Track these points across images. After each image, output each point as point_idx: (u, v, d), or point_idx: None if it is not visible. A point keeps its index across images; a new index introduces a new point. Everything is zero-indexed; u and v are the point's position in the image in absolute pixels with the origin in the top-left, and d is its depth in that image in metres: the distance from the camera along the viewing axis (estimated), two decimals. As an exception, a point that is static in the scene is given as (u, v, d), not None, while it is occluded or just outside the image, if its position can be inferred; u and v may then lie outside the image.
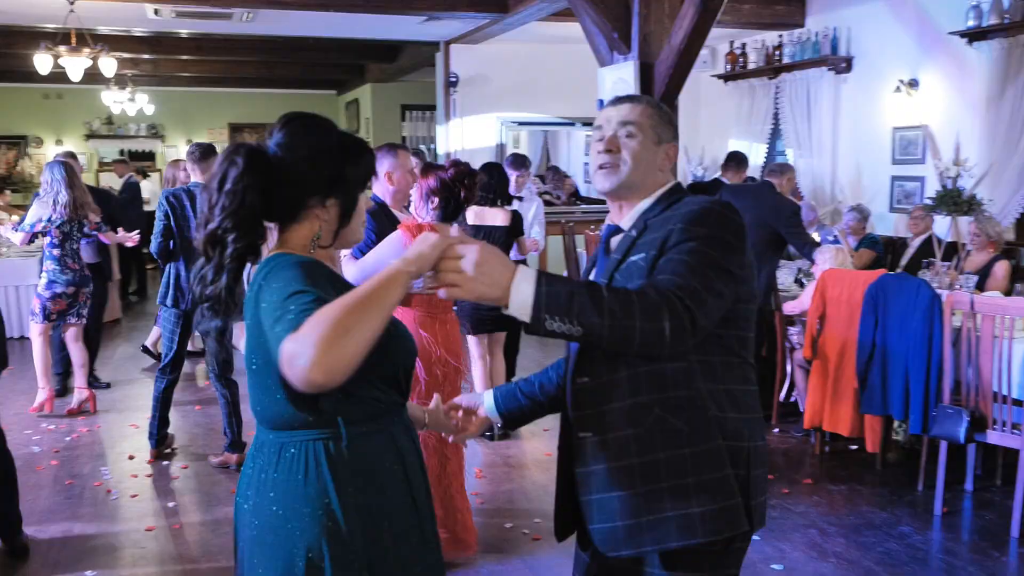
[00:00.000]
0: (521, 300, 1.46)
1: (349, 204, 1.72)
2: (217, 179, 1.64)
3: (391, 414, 1.73)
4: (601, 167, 1.82)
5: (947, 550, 3.82)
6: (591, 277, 1.91)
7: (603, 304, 1.48)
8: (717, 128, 9.41)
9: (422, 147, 12.02)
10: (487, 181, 5.02)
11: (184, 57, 10.64)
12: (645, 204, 1.83)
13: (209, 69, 11.93)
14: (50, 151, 13.98)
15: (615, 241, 1.85)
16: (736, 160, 6.54)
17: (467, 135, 9.33)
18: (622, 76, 5.71)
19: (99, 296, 6.45)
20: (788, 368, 5.46)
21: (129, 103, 11.81)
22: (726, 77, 9.10)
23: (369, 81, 12.59)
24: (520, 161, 6.60)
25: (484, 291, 1.45)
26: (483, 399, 2.09)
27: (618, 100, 1.88)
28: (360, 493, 1.65)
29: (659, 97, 5.60)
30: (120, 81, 11.08)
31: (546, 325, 1.46)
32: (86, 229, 5.54)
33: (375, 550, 1.66)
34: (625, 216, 1.85)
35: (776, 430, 5.34)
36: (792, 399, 5.57)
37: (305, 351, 1.30)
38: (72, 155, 6.61)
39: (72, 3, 6.49)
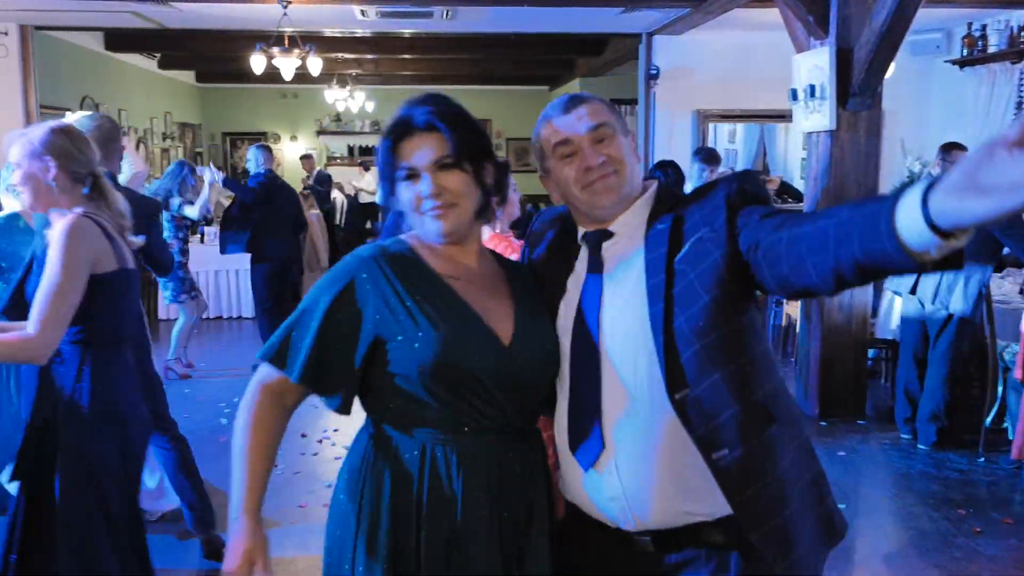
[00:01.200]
0: None
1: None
2: None
3: (431, 429, 1.59)
4: (603, 178, 1.60)
5: None
6: (573, 297, 1.66)
7: None
8: (951, 119, 8.48)
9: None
10: (660, 179, 4.77)
11: (402, 56, 11.12)
12: (642, 201, 1.65)
13: (426, 67, 12.40)
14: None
15: (613, 246, 1.64)
16: (947, 150, 5.80)
17: (668, 129, 9.02)
18: (817, 63, 5.26)
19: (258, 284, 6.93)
20: (999, 390, 4.79)
21: (351, 100, 12.55)
22: (962, 63, 8.18)
23: (578, 76, 12.53)
24: (709, 156, 6.29)
25: None
26: None
27: (568, 107, 1.63)
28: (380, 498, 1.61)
29: (858, 85, 5.12)
30: (341, 80, 11.78)
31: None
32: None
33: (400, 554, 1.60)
34: (616, 221, 1.64)
35: (981, 459, 4.71)
36: (1004, 425, 4.89)
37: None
38: (266, 147, 7.13)
39: (285, 8, 6.93)
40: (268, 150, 7.06)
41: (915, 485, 4.43)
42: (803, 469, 1.59)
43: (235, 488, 1.54)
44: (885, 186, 8.50)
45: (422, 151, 1.56)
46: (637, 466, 1.53)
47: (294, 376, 1.56)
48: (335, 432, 5.11)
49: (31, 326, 2.21)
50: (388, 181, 1.61)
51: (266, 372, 1.60)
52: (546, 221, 1.84)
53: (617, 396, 1.55)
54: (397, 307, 1.55)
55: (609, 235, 1.64)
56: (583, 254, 1.68)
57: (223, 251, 7.21)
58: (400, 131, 1.58)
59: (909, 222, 1.09)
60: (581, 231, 1.69)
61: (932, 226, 1.06)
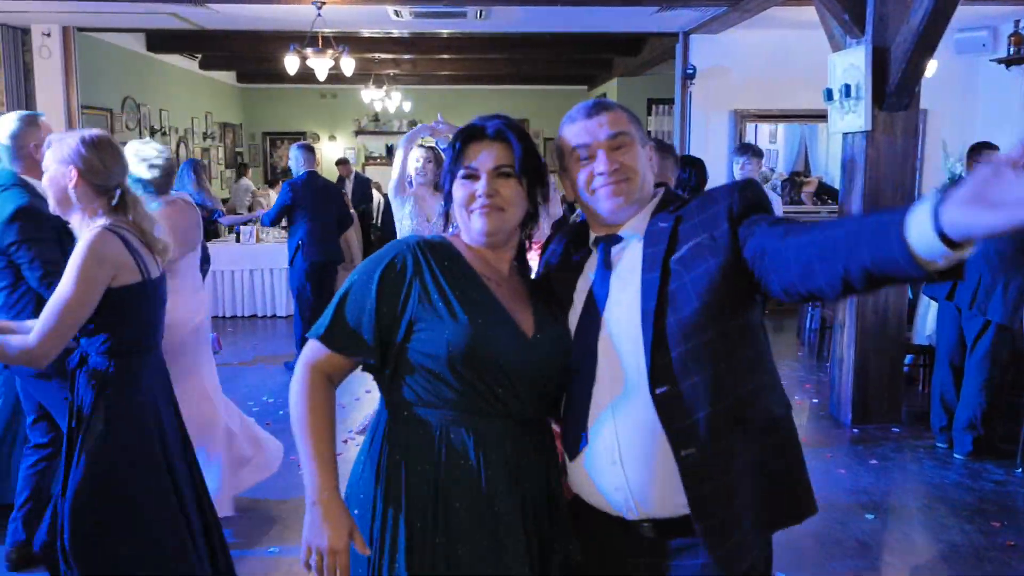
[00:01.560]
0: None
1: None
2: None
3: (449, 411, 1.65)
4: (615, 184, 1.68)
5: None
6: (581, 297, 1.74)
7: None
8: (996, 120, 8.28)
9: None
10: (682, 177, 4.69)
11: (439, 56, 11.15)
12: (650, 207, 1.73)
13: (462, 67, 12.42)
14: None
15: (621, 249, 1.71)
16: (977, 151, 5.61)
17: (704, 129, 8.92)
18: (852, 62, 5.15)
19: (297, 284, 6.70)
20: (1039, 400, 4.65)
21: (387, 100, 12.61)
22: (1008, 61, 7.97)
23: (616, 75, 12.46)
24: (741, 147, 6.21)
25: None
26: None
27: (591, 112, 1.71)
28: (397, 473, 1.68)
29: (894, 86, 4.99)
30: (378, 80, 11.84)
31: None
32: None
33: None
34: (625, 226, 1.72)
35: (1018, 470, 4.57)
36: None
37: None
38: (308, 147, 6.88)
39: (320, 9, 6.97)
40: (310, 150, 6.78)
41: (948, 495, 4.31)
42: (765, 464, 1.64)
43: (308, 472, 1.63)
44: (926, 188, 8.32)
45: (488, 156, 1.68)
46: (638, 457, 1.60)
47: (349, 353, 1.66)
48: (360, 433, 5.13)
49: (33, 334, 2.25)
50: (450, 179, 1.73)
51: (316, 351, 1.68)
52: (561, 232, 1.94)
53: (617, 388, 1.62)
54: (433, 290, 1.65)
55: (618, 239, 1.73)
56: (593, 257, 1.76)
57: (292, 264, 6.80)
58: (471, 136, 1.71)
59: (920, 232, 1.16)
60: (593, 235, 1.78)
61: (942, 236, 1.13)
